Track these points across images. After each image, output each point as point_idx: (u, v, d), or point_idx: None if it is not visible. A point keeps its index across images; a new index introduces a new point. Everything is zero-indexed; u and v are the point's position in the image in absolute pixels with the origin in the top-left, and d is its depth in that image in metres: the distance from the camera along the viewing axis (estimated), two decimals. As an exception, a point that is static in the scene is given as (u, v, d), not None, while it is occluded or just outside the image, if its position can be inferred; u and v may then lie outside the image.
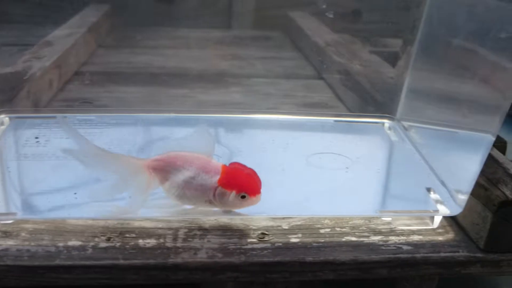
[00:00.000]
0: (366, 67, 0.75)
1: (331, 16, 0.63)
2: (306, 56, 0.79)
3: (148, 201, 0.44)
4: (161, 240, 0.45)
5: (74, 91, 0.69)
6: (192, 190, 0.44)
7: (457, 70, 0.52)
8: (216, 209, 0.46)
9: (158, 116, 0.64)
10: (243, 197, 0.44)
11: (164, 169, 0.45)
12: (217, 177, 0.44)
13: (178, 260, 0.43)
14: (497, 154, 0.53)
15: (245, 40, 0.76)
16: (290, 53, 0.80)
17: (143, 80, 0.73)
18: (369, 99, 0.72)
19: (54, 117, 0.61)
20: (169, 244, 0.45)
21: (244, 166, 0.45)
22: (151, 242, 0.45)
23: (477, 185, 0.47)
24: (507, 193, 0.45)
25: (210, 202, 0.45)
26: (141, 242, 0.45)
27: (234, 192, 0.44)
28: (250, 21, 0.75)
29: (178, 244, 0.45)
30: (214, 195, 0.44)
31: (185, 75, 0.73)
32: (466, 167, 0.47)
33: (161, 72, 0.74)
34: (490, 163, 0.51)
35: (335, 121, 0.65)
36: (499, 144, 0.70)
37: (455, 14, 0.53)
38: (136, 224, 0.47)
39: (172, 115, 0.63)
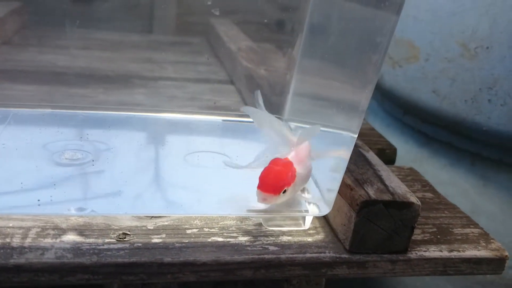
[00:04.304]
0: (270, 72, 0.75)
1: (217, 13, 0.62)
2: (222, 62, 0.79)
3: None
4: (7, 240, 0.42)
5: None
6: None
7: (335, 72, 0.52)
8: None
9: (33, 111, 0.60)
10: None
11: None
12: None
13: (21, 260, 0.40)
14: (371, 156, 0.53)
15: (164, 44, 0.74)
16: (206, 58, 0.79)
17: (42, 79, 0.69)
18: (266, 102, 0.71)
19: None
20: (15, 244, 0.41)
21: (285, 161, 0.45)
22: (-5, 241, 0.41)
23: (345, 185, 0.47)
24: (371, 193, 0.44)
25: None
26: (-17, 242, 0.41)
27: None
28: (173, 26, 0.73)
29: (26, 244, 0.41)
30: None
31: (90, 76, 0.70)
32: (334, 166, 0.47)
33: (65, 71, 0.70)
34: (363, 164, 0.51)
35: (223, 120, 0.64)
36: (390, 151, 0.72)
37: (334, 19, 0.53)
38: (-17, 222, 0.43)
39: (48, 110, 0.59)
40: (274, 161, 0.45)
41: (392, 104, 0.89)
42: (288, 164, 0.45)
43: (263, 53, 0.74)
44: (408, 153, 0.86)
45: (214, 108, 0.68)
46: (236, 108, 0.72)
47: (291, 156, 0.46)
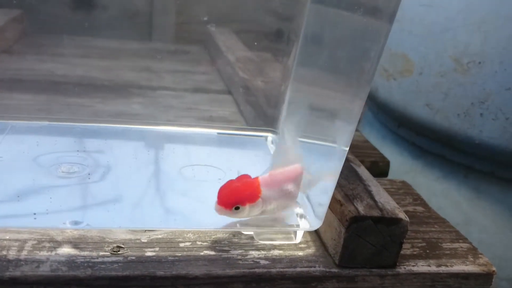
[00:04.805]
0: (266, 83, 0.76)
1: (213, 28, 0.63)
2: (220, 71, 0.79)
3: None
4: (4, 252, 0.43)
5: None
6: None
7: (328, 82, 0.53)
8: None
9: (31, 123, 0.60)
10: None
11: None
12: None
13: (17, 273, 0.40)
14: (362, 171, 0.54)
15: (162, 53, 0.75)
16: (204, 67, 0.80)
17: (40, 88, 0.70)
18: (261, 114, 0.72)
19: None
20: (11, 256, 0.42)
21: (250, 180, 0.46)
22: (-8, 254, 0.42)
23: (335, 200, 0.47)
24: (360, 208, 0.45)
25: None
26: (-20, 254, 0.42)
27: None
28: (172, 34, 0.74)
29: (22, 257, 0.42)
30: None
31: (89, 85, 0.71)
32: (325, 180, 0.48)
33: (63, 80, 0.71)
34: (353, 179, 0.52)
35: (218, 133, 0.65)
36: (383, 163, 0.73)
37: (329, 29, 0.54)
38: (-19, 235, 0.44)
39: (45, 123, 0.60)
40: (239, 177, 0.46)
41: (387, 116, 0.90)
42: (250, 183, 0.45)
43: (260, 63, 0.75)
44: (403, 165, 0.87)
45: (210, 121, 0.68)
46: (233, 120, 0.73)
47: (262, 177, 0.46)
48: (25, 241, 0.45)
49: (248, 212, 0.46)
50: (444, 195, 0.80)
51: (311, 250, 0.49)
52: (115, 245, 0.46)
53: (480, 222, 0.77)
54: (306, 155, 0.50)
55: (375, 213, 0.45)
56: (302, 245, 0.49)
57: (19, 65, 0.70)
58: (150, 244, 0.46)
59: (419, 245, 0.52)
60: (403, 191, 0.64)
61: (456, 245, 0.53)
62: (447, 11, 0.73)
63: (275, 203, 0.47)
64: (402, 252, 0.48)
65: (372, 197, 0.48)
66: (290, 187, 0.47)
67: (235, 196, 0.45)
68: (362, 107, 0.45)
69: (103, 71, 0.71)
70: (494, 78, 0.69)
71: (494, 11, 0.68)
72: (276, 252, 0.47)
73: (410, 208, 0.59)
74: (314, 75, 0.58)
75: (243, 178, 0.46)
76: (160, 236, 0.48)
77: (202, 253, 0.46)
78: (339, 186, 0.49)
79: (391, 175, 0.75)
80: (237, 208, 0.45)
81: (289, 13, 0.66)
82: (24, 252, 0.43)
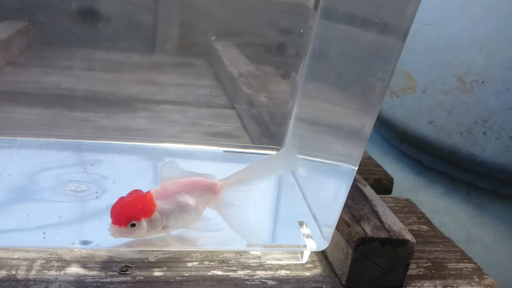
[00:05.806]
0: (270, 99, 0.76)
1: (220, 48, 0.64)
2: (223, 85, 0.80)
3: None
4: (13, 272, 0.43)
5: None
6: None
7: (337, 99, 0.53)
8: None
9: (38, 140, 0.61)
10: None
11: None
12: None
13: (26, 294, 0.41)
14: (369, 191, 0.55)
15: (166, 66, 0.75)
16: (208, 81, 0.80)
17: (45, 102, 0.70)
18: (265, 130, 0.73)
19: None
20: (20, 276, 0.42)
21: (140, 194, 0.44)
22: (1, 273, 0.42)
23: (342, 221, 0.48)
24: (367, 230, 0.46)
25: None
26: (-11, 273, 0.42)
27: None
28: (175, 47, 0.74)
29: (31, 276, 0.43)
30: None
31: (93, 98, 0.71)
32: (333, 200, 0.48)
33: (68, 94, 0.71)
34: (360, 200, 0.52)
35: (224, 151, 0.65)
36: (386, 181, 0.73)
37: (338, 45, 0.54)
38: (-11, 254, 0.44)
39: (53, 139, 0.60)
40: (130, 193, 0.44)
41: (389, 132, 0.91)
42: (142, 197, 0.44)
43: (264, 77, 0.76)
44: (405, 180, 0.87)
45: (215, 138, 0.69)
46: (237, 135, 0.73)
47: (154, 190, 0.45)
48: (33, 260, 0.45)
49: (148, 229, 0.43)
50: (446, 212, 0.81)
51: (317, 270, 0.49)
52: (123, 264, 0.46)
53: (482, 239, 0.78)
54: (315, 174, 0.50)
55: (382, 234, 0.46)
56: (309, 265, 0.49)
57: (24, 77, 0.70)
58: (158, 263, 0.47)
59: (425, 265, 0.52)
60: (407, 209, 0.64)
61: (461, 265, 0.53)
62: (450, 30, 0.74)
63: (175, 216, 0.45)
64: (408, 272, 0.48)
65: (378, 217, 0.49)
66: (186, 198, 0.45)
67: (128, 211, 0.43)
68: (372, 125, 0.45)
69: (107, 84, 0.71)
70: (497, 97, 0.70)
71: (498, 31, 0.69)
72: (283, 272, 0.48)
73: (414, 227, 0.60)
74: (322, 92, 0.58)
75: (134, 193, 0.44)
76: (167, 255, 0.48)
77: (209, 273, 0.46)
78: (346, 206, 0.49)
79: (394, 190, 0.76)
80: (133, 225, 0.43)
81: (297, 28, 0.66)
82: (33, 272, 0.43)
